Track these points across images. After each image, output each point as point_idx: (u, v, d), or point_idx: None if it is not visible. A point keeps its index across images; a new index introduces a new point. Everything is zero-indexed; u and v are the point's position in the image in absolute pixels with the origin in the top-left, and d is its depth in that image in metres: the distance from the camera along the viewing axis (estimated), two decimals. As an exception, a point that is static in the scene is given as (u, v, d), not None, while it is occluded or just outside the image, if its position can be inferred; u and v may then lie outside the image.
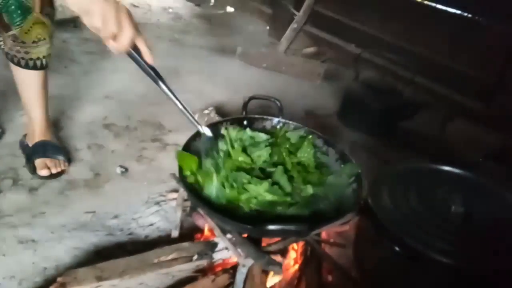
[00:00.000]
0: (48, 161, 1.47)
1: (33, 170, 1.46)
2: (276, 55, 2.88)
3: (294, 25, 2.96)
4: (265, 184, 1.00)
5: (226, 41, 3.13)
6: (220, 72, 2.64)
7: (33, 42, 1.33)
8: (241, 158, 1.10)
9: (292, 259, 1.18)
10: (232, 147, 1.13)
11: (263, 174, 1.08)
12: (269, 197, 1.00)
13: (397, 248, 0.77)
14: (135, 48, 0.92)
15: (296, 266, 1.15)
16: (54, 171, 1.48)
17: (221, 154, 1.12)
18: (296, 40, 3.06)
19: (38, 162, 1.46)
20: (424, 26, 2.50)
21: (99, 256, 1.20)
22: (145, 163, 1.68)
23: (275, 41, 3.20)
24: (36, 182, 1.46)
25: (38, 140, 1.51)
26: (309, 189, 1.05)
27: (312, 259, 1.10)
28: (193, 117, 1.07)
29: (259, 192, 0.99)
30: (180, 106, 1.04)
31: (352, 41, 2.95)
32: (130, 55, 0.91)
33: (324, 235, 1.20)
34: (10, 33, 1.29)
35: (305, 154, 1.15)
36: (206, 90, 2.34)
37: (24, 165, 1.52)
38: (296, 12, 3.02)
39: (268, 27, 3.49)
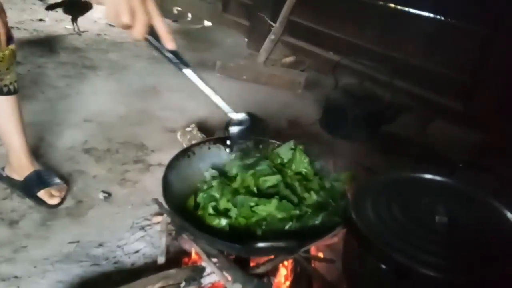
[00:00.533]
0: (51, 189, 1.47)
1: (40, 202, 1.45)
2: (256, 67, 2.89)
3: (271, 36, 2.99)
4: (275, 202, 0.97)
5: (205, 56, 3.13)
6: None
7: (6, 69, 1.33)
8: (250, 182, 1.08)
9: (283, 276, 1.17)
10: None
11: (259, 192, 1.06)
12: (280, 214, 0.98)
13: (382, 265, 0.77)
14: (153, 33, 0.85)
15: (287, 283, 1.14)
16: (61, 196, 1.49)
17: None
18: (275, 51, 3.08)
19: (42, 193, 1.46)
20: (398, 31, 2.54)
21: (85, 288, 1.17)
22: (129, 186, 1.65)
23: (254, 52, 3.22)
24: (17, 214, 1.42)
25: (30, 172, 1.49)
26: (313, 196, 1.04)
27: (302, 276, 1.08)
28: (224, 104, 1.01)
29: (270, 212, 0.97)
30: (210, 94, 0.97)
31: (330, 49, 2.98)
32: (148, 42, 0.85)
33: (313, 250, 1.19)
34: None
35: (302, 164, 1.14)
36: (187, 107, 2.33)
37: (4, 198, 1.48)
38: (273, 24, 3.04)
39: (246, 39, 3.50)
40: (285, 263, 1.15)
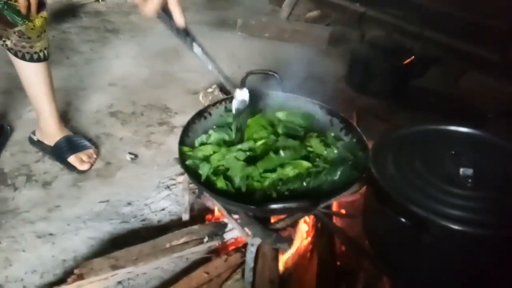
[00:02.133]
0: (81, 154, 1.52)
1: (70, 167, 1.50)
2: (278, 23, 2.80)
3: (294, -10, 2.86)
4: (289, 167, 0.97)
5: (226, 14, 3.05)
6: (222, 47, 2.59)
7: (37, 36, 1.34)
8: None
9: (304, 232, 1.18)
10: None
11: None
12: (292, 172, 0.97)
13: (403, 219, 0.75)
14: (166, 9, 0.85)
15: (309, 239, 1.15)
16: (92, 161, 1.53)
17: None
18: (298, 5, 2.96)
19: (73, 159, 1.50)
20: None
21: (115, 244, 1.23)
22: (154, 148, 1.69)
23: (277, 8, 3.10)
24: (49, 176, 1.49)
25: (60, 138, 1.54)
26: (333, 151, 1.03)
27: (323, 232, 1.09)
28: (228, 80, 1.03)
29: (282, 172, 0.96)
30: (216, 70, 1.00)
31: (356, 0, 2.83)
32: (159, 18, 0.86)
33: (335, 206, 1.18)
34: (16, 29, 1.29)
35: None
36: (208, 68, 2.30)
37: (37, 160, 1.54)
38: (295, -24, 2.90)
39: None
40: (306, 219, 1.16)
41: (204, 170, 0.99)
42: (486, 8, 2.12)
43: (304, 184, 0.95)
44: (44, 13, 1.32)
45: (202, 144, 1.09)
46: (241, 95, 1.06)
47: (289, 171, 0.96)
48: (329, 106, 1.21)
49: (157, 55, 2.42)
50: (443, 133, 0.96)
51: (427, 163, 0.86)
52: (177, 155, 1.25)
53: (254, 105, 1.15)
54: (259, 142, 1.05)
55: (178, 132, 1.76)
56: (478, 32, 2.20)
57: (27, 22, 1.28)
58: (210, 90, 1.98)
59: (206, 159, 1.02)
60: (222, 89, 1.99)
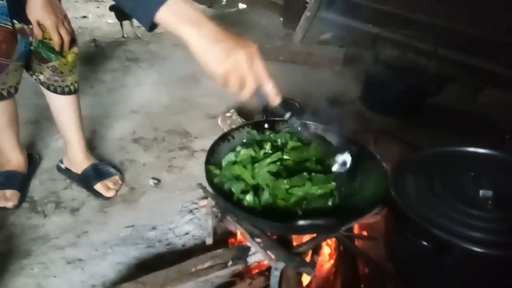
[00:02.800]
0: (107, 182, 1.58)
1: (97, 194, 1.56)
2: (293, 47, 2.87)
3: (307, 13, 2.93)
4: (308, 183, 0.99)
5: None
6: (238, 72, 2.66)
7: (69, 70, 1.43)
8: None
9: (327, 255, 1.19)
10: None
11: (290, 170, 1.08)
12: (318, 191, 0.99)
13: (424, 241, 0.76)
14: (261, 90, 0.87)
15: (331, 262, 1.17)
16: (117, 188, 1.59)
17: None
18: (311, 28, 3.03)
19: (99, 186, 1.56)
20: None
21: (141, 268, 1.26)
22: (176, 172, 1.74)
23: (291, 32, 3.18)
24: (77, 203, 1.55)
25: (87, 166, 1.60)
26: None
27: (346, 254, 1.10)
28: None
29: (307, 191, 0.99)
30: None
31: (369, 21, 2.88)
32: (256, 99, 0.88)
33: (356, 228, 1.20)
34: (50, 64, 1.38)
35: None
36: (226, 92, 2.36)
37: (65, 187, 1.61)
38: (308, 0, 2.98)
39: (281, 19, 3.46)
40: (329, 241, 1.17)
41: (237, 188, 1.02)
42: (500, 24, 2.13)
43: (329, 203, 0.97)
44: (75, 49, 1.41)
45: (231, 162, 1.12)
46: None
47: (315, 190, 0.98)
48: (347, 134, 1.23)
49: (176, 82, 2.50)
50: (462, 155, 0.97)
51: (446, 185, 0.87)
52: (198, 180, 1.29)
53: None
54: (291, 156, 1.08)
55: (199, 156, 1.85)
56: (494, 48, 2.21)
57: (60, 58, 1.36)
58: (228, 114, 2.04)
59: (237, 177, 1.05)
60: (239, 113, 2.04)
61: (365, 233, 1.22)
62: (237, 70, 0.79)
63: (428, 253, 0.79)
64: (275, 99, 0.88)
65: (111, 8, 3.21)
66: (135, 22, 3.08)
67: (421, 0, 2.53)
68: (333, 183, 1.01)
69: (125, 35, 3.15)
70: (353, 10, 2.98)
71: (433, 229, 0.77)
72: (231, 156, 1.13)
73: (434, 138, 1.84)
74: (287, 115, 0.94)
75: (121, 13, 3.05)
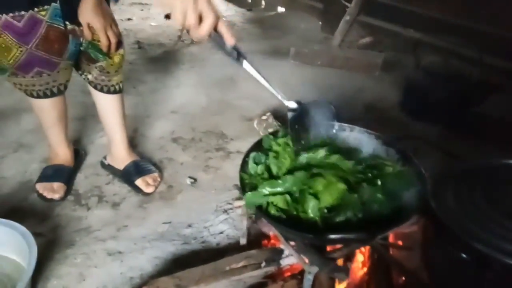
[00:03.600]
0: (147, 178, 1.64)
1: (137, 189, 1.63)
2: (330, 51, 2.85)
3: (346, 17, 2.91)
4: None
5: (279, 43, 3.16)
6: (275, 75, 2.63)
7: (115, 71, 1.50)
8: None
9: (360, 262, 1.19)
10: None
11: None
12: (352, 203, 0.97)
13: (463, 254, 0.75)
14: (216, 31, 0.92)
15: (365, 269, 1.16)
16: (156, 184, 1.65)
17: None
18: (350, 32, 3.01)
19: (140, 182, 1.63)
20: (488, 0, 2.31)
21: (177, 264, 1.31)
22: (212, 173, 1.78)
23: (329, 36, 3.17)
24: (118, 197, 1.62)
25: (128, 163, 1.67)
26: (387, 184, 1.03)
27: (380, 263, 1.09)
28: (280, 93, 1.09)
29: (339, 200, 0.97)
30: (266, 84, 1.05)
31: (410, 26, 2.82)
32: (211, 39, 0.92)
33: (391, 237, 1.18)
34: (98, 64, 1.46)
35: None
36: (262, 96, 2.38)
37: (107, 183, 1.69)
38: (347, 4, 2.96)
39: (320, 23, 3.46)
40: (362, 249, 1.17)
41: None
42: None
43: (359, 215, 0.96)
44: (121, 51, 1.48)
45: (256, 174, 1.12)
46: (292, 108, 1.12)
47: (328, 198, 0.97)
48: (385, 136, 1.22)
49: (214, 84, 2.56)
50: (506, 167, 0.94)
51: (489, 198, 0.85)
52: (233, 181, 1.30)
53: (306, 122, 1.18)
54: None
55: (234, 157, 1.89)
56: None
57: (107, 58, 1.44)
58: (264, 117, 2.06)
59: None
60: (275, 116, 2.06)
61: (400, 242, 1.21)
62: (191, 6, 0.84)
63: (466, 266, 0.78)
64: (229, 40, 0.92)
65: (168, 16, 3.31)
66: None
67: (466, 5, 2.45)
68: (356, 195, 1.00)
69: (183, 39, 3.25)
70: (394, 15, 2.93)
71: (473, 242, 0.75)
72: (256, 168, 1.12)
73: (476, 149, 1.78)
74: (243, 61, 0.97)
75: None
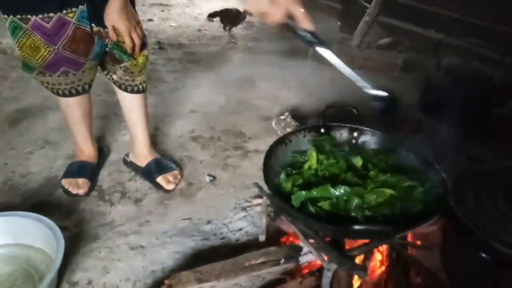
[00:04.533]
0: (168, 175, 1.68)
1: (158, 187, 1.67)
2: (349, 51, 2.85)
3: (366, 18, 2.90)
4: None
5: (297, 43, 3.15)
6: (293, 76, 2.70)
7: (139, 71, 1.55)
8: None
9: (378, 261, 1.19)
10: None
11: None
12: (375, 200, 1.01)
13: (484, 254, 0.75)
14: (290, 18, 0.88)
15: (383, 268, 1.17)
16: (177, 182, 1.69)
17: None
18: (370, 33, 3.00)
19: (161, 179, 1.67)
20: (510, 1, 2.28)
21: (197, 259, 1.34)
22: (230, 171, 1.81)
23: (348, 36, 3.17)
24: (140, 194, 1.66)
25: (150, 160, 1.71)
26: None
27: (399, 262, 1.10)
28: (364, 81, 1.03)
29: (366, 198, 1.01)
30: (347, 72, 0.99)
31: (431, 27, 2.79)
32: (286, 25, 0.88)
33: (410, 237, 1.19)
34: (122, 65, 1.51)
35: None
36: (280, 95, 2.42)
37: (130, 179, 1.73)
38: (367, 4, 2.95)
39: (339, 23, 3.45)
40: (380, 248, 1.18)
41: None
42: None
43: (383, 212, 0.98)
44: (145, 52, 1.52)
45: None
46: (382, 94, 1.06)
47: (373, 199, 1.00)
48: (407, 141, 1.23)
49: (233, 84, 2.59)
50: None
51: (508, 199, 0.85)
52: (251, 179, 1.32)
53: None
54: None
55: (252, 156, 1.91)
56: None
57: (131, 59, 1.48)
58: (282, 117, 2.08)
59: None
60: (293, 116, 2.08)
61: (418, 242, 1.21)
62: None
63: (486, 266, 0.78)
64: (307, 24, 0.87)
65: (213, 15, 3.36)
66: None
67: (487, 5, 2.41)
68: (391, 191, 1.02)
69: (232, 40, 3.30)
70: (415, 15, 2.91)
71: (493, 241, 0.76)
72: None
73: (496, 151, 1.76)
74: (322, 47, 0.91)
75: (228, 19, 3.20)
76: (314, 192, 1.02)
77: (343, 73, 0.97)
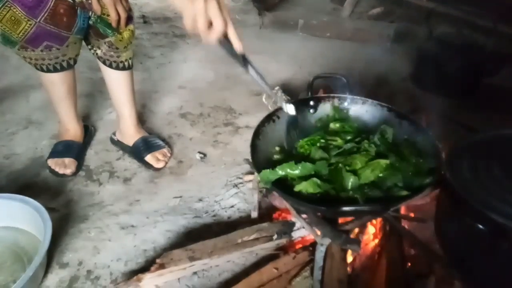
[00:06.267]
0: (157, 153, 1.64)
1: (147, 165, 1.63)
2: (340, 22, 2.79)
3: (357, -13, 2.82)
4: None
5: (287, 15, 3.09)
6: (283, 49, 2.64)
7: (124, 47, 1.48)
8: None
9: (371, 234, 1.19)
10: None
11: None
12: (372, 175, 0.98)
13: (479, 225, 0.74)
14: (225, 37, 0.93)
15: (376, 241, 1.16)
16: (166, 160, 1.65)
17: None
18: (361, 3, 2.93)
19: (149, 157, 1.63)
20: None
21: (189, 237, 1.32)
22: (221, 148, 1.78)
23: (338, 7, 3.09)
24: (129, 173, 1.63)
25: (137, 139, 1.67)
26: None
27: (392, 234, 1.10)
28: (283, 100, 1.13)
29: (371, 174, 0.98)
30: (268, 91, 1.10)
31: (423, -5, 2.73)
32: (220, 44, 0.93)
33: (403, 210, 1.18)
34: (107, 40, 1.44)
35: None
36: (270, 69, 2.36)
37: (118, 158, 1.69)
38: (358, -27, 2.86)
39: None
40: (374, 221, 1.17)
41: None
42: None
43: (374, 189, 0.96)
44: (131, 26, 1.45)
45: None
46: (290, 110, 1.15)
47: (370, 175, 0.97)
48: (398, 109, 1.20)
49: (221, 59, 2.48)
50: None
51: (505, 169, 0.83)
52: (243, 155, 1.29)
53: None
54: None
55: (243, 132, 1.88)
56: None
57: (116, 34, 1.41)
58: (273, 91, 2.03)
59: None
60: (284, 90, 2.03)
61: (412, 214, 1.20)
62: (201, 12, 0.84)
63: (482, 236, 0.77)
64: (238, 47, 0.94)
65: None
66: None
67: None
68: (386, 160, 1.00)
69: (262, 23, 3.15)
70: (406, -16, 2.83)
71: (489, 212, 0.74)
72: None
73: (491, 120, 1.75)
74: (250, 68, 1.00)
75: (261, 3, 3.05)
76: (279, 171, 1.00)
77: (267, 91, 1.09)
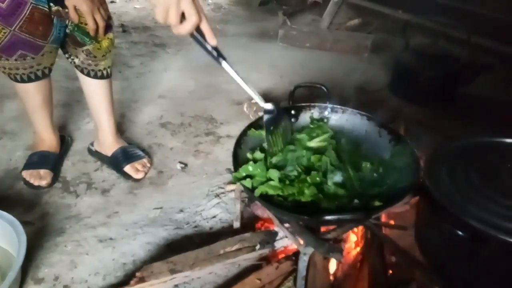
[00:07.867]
0: (136, 164, 1.61)
1: (126, 176, 1.59)
2: (319, 33, 2.83)
3: (335, -1, 2.88)
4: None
5: (267, 25, 3.12)
6: (263, 58, 2.65)
7: (102, 56, 1.46)
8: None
9: (353, 242, 1.19)
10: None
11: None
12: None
13: (459, 231, 0.76)
14: (198, 30, 0.92)
15: (358, 249, 1.17)
16: (146, 170, 1.62)
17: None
18: (339, 14, 2.98)
19: (128, 168, 1.59)
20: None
21: (170, 249, 1.30)
22: (202, 157, 1.76)
23: (317, 18, 3.13)
24: (108, 184, 1.59)
25: (116, 149, 1.63)
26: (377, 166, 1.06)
27: (374, 242, 1.10)
28: (256, 94, 1.09)
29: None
30: (243, 85, 1.05)
31: (399, 7, 2.80)
32: (193, 37, 0.92)
33: (384, 217, 1.19)
34: (84, 48, 1.42)
35: None
36: (251, 79, 2.35)
37: (96, 169, 1.65)
38: (336, -15, 2.92)
39: (308, 4, 3.42)
40: (355, 229, 1.17)
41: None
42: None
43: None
44: (110, 35, 1.43)
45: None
46: (268, 109, 1.12)
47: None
48: (377, 117, 1.22)
49: (202, 68, 2.51)
50: (499, 146, 0.95)
51: (483, 175, 0.85)
52: (224, 165, 1.28)
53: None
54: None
55: (224, 142, 1.87)
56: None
57: (94, 42, 1.39)
58: (254, 101, 2.02)
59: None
60: (265, 99, 2.03)
61: (392, 222, 1.22)
62: (174, 3, 0.83)
63: (461, 243, 0.78)
64: (211, 40, 0.92)
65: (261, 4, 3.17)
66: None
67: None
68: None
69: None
70: (383, -4, 2.91)
71: (468, 219, 0.76)
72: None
73: (466, 128, 1.79)
74: (223, 62, 0.97)
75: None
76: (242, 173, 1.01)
77: (241, 84, 1.04)
